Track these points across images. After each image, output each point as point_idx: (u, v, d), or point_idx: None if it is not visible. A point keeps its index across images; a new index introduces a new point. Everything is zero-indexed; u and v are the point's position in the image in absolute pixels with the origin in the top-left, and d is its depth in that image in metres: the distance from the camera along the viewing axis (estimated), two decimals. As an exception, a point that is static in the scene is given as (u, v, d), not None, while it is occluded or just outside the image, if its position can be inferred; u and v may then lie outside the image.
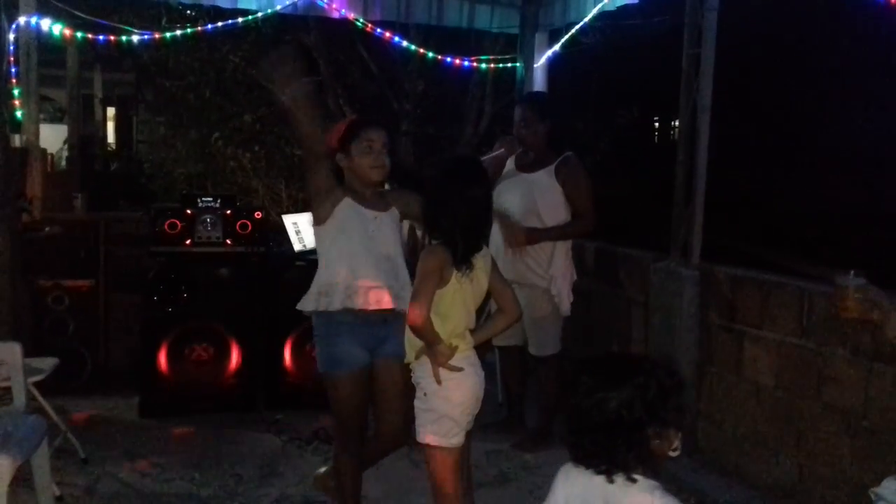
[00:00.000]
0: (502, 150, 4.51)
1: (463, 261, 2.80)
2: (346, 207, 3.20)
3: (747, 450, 4.09)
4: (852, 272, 2.69)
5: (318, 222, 3.25)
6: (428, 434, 2.87)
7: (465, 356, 2.87)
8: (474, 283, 2.87)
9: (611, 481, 1.93)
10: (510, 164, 4.54)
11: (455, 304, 2.84)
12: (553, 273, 4.35)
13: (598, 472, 1.95)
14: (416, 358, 2.89)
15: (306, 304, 3.23)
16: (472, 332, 2.95)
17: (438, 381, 2.82)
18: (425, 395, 2.88)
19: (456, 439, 2.88)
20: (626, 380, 1.94)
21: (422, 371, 2.88)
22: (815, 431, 3.71)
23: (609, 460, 1.94)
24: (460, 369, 2.84)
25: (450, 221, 2.81)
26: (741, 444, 4.13)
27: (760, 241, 12.09)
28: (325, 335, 3.23)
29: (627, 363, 2.06)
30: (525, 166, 4.48)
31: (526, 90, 5.98)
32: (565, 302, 4.42)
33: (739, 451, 4.13)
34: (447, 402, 2.84)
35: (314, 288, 3.23)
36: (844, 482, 3.55)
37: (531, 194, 4.35)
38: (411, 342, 2.90)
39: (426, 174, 2.99)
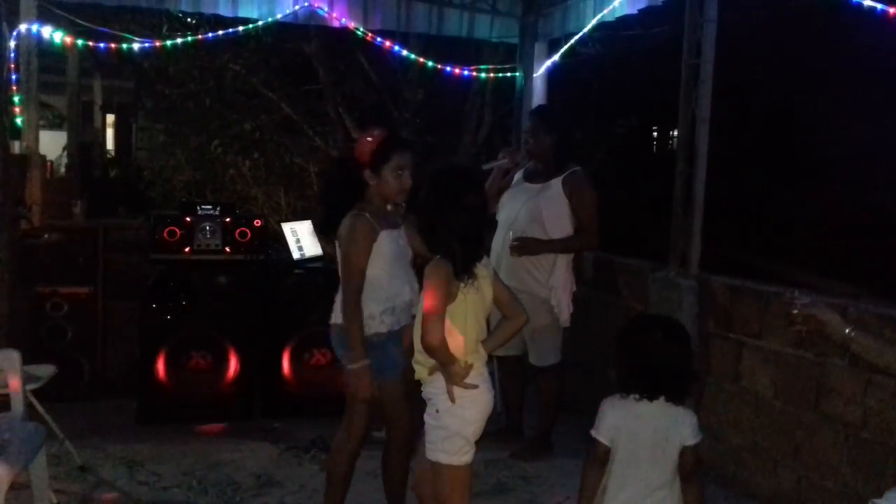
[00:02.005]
0: (505, 160, 4.53)
1: (464, 271, 2.73)
2: (384, 239, 3.25)
3: (746, 460, 4.09)
4: (796, 292, 2.53)
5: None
6: (438, 452, 2.79)
7: (479, 372, 2.80)
8: (480, 294, 2.80)
9: (674, 404, 2.70)
10: (518, 175, 4.57)
11: (466, 317, 2.76)
12: (553, 283, 4.37)
13: (653, 400, 2.68)
14: (430, 374, 2.80)
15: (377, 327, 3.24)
16: (482, 342, 2.88)
17: (453, 400, 2.75)
18: (437, 412, 2.79)
19: (466, 457, 2.80)
20: (687, 337, 2.79)
21: (434, 388, 2.80)
22: (814, 442, 3.71)
23: (671, 392, 2.70)
24: (475, 387, 2.76)
25: (447, 232, 2.73)
26: (740, 454, 4.12)
27: (759, 251, 12.08)
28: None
29: (678, 324, 2.90)
30: (533, 177, 4.50)
31: (525, 100, 6.00)
32: (565, 313, 4.43)
33: (738, 461, 4.13)
34: (460, 420, 2.77)
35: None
36: (844, 494, 3.55)
37: (537, 204, 4.37)
38: (422, 359, 2.82)
39: (421, 184, 2.93)
